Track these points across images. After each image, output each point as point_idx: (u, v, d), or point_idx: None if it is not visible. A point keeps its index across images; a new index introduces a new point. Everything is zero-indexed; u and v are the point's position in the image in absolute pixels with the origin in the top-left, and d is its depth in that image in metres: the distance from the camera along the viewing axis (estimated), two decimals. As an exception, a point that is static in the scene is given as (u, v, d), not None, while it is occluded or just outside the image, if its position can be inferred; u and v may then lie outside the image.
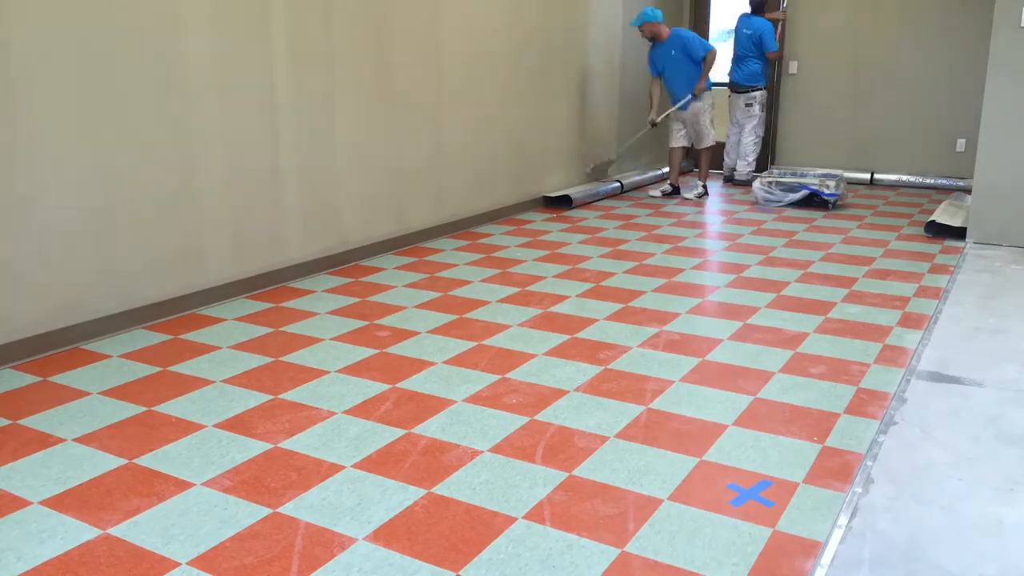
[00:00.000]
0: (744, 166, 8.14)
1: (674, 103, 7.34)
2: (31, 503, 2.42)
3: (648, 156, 8.73)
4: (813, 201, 6.90)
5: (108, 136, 3.69)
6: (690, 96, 7.20)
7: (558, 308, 4.24)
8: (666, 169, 8.52)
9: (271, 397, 3.15)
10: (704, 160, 7.54)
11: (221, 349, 3.65)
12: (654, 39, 7.21)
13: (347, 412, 3.02)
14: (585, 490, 2.48)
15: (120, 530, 2.28)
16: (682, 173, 7.99)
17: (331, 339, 3.77)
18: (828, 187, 6.84)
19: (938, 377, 3.29)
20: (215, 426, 2.91)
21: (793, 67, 8.43)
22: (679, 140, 7.47)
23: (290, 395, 3.17)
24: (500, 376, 3.35)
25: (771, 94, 8.46)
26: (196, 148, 4.08)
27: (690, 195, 7.46)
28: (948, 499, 2.40)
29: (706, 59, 7.09)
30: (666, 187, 7.63)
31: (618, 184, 7.64)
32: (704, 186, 7.52)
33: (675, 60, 7.17)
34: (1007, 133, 5.38)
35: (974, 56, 7.47)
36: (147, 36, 3.79)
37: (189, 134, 4.04)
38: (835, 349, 3.65)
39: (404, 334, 3.84)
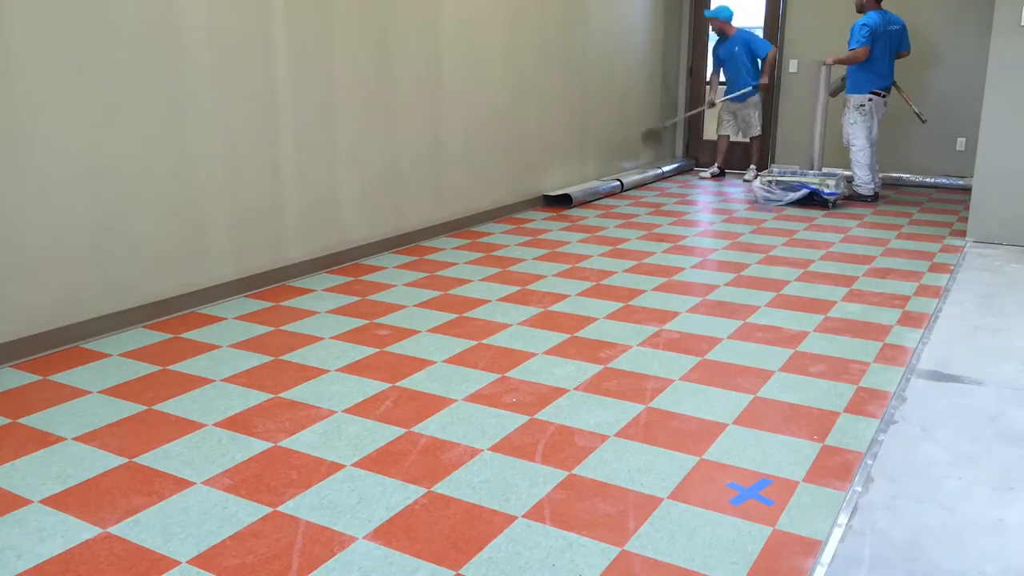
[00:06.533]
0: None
1: (729, 93, 8.12)
2: (31, 502, 2.42)
3: (648, 155, 8.74)
4: (813, 200, 6.90)
5: (107, 135, 3.69)
6: (750, 88, 7.98)
7: (558, 307, 4.24)
8: (665, 169, 8.56)
9: (271, 396, 3.15)
10: (756, 148, 8.32)
11: (221, 348, 3.65)
12: (721, 35, 8.04)
13: (347, 411, 3.02)
14: (585, 489, 2.48)
15: (120, 529, 2.28)
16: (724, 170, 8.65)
17: (331, 338, 3.77)
18: (828, 186, 6.84)
19: (938, 376, 3.29)
20: (215, 425, 2.91)
21: (793, 66, 8.43)
22: (727, 129, 8.31)
23: (290, 394, 3.17)
24: (500, 375, 3.35)
25: (771, 93, 8.48)
26: (196, 147, 4.08)
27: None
28: (948, 498, 2.40)
29: (768, 57, 7.91)
30: (715, 169, 8.55)
31: (618, 183, 7.65)
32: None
33: (737, 56, 7.93)
34: (1007, 132, 5.38)
35: (974, 55, 7.47)
36: (147, 37, 3.79)
37: (189, 133, 4.04)
38: (835, 348, 3.65)
39: (404, 333, 3.84)
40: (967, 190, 7.04)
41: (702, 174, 8.63)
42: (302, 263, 4.76)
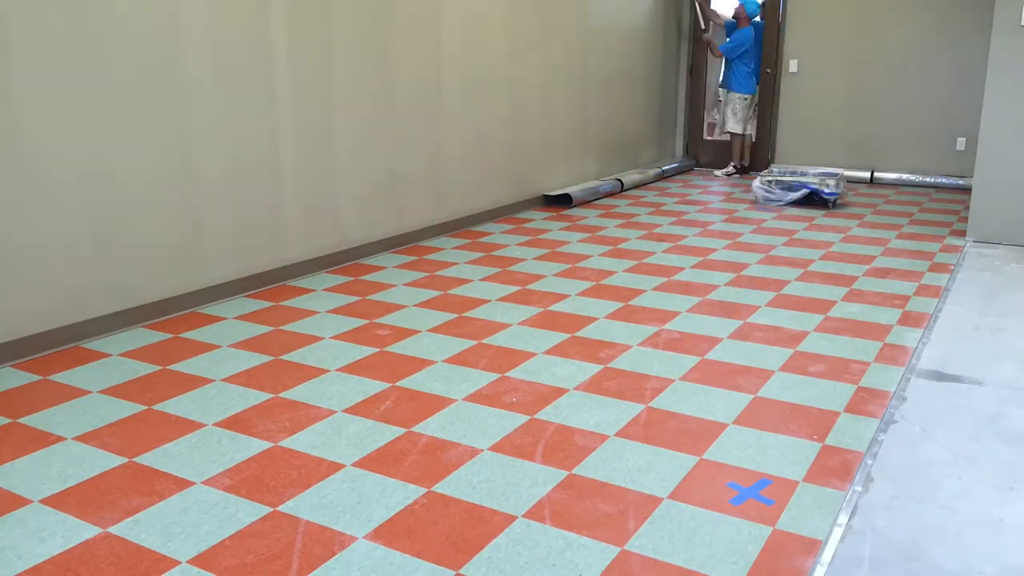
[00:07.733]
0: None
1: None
2: (31, 501, 2.42)
3: (648, 155, 8.74)
4: (813, 200, 6.90)
5: (108, 135, 3.69)
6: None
7: (558, 307, 4.24)
8: (665, 168, 8.55)
9: (271, 396, 3.15)
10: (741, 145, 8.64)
11: (221, 348, 3.65)
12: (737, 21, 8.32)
13: (347, 411, 3.02)
14: (585, 488, 2.48)
15: (120, 528, 2.28)
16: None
17: (331, 338, 3.77)
18: (828, 186, 6.84)
19: (938, 376, 3.29)
20: (215, 425, 2.91)
21: (793, 66, 8.43)
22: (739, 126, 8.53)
23: (290, 394, 3.17)
24: (500, 375, 3.35)
25: (771, 92, 8.50)
26: (196, 147, 4.08)
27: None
28: (948, 498, 2.40)
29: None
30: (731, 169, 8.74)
31: (618, 182, 7.65)
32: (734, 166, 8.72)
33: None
34: (1007, 132, 5.38)
35: (974, 55, 7.47)
36: (148, 40, 3.79)
37: (189, 134, 4.04)
38: (835, 348, 3.65)
39: (404, 333, 3.84)
40: (967, 190, 7.04)
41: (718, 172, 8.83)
42: (302, 263, 4.76)
